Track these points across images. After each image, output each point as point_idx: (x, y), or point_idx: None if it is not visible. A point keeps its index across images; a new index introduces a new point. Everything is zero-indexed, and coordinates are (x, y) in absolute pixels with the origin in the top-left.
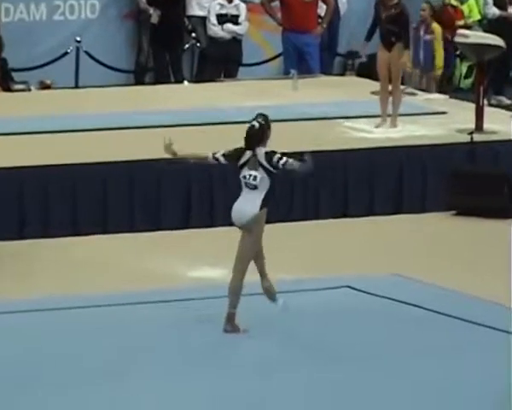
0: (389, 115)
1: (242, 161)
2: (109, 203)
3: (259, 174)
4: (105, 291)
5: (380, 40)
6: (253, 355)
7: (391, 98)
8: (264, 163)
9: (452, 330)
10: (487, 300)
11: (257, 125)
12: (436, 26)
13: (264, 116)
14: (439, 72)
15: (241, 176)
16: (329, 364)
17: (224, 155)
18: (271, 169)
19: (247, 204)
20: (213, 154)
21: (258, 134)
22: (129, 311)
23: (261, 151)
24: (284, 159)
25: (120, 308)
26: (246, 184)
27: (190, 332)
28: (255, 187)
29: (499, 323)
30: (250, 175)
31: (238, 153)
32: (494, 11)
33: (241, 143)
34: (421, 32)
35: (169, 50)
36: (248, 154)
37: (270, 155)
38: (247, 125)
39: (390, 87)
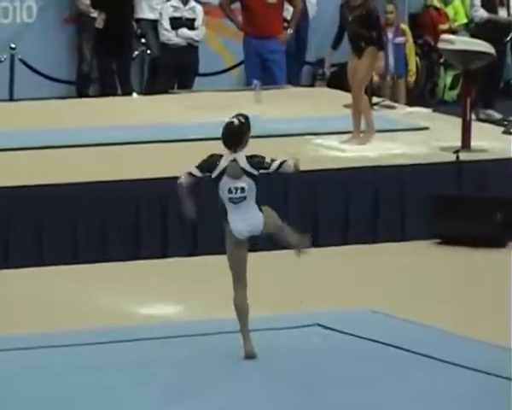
0: (362, 132)
1: (219, 170)
2: (47, 231)
3: (245, 183)
4: (42, 331)
5: (350, 47)
6: (218, 399)
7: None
8: (248, 168)
9: (437, 374)
10: (476, 340)
11: (236, 122)
12: (407, 29)
13: (245, 116)
14: (412, 78)
15: (222, 192)
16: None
17: (197, 166)
18: (256, 173)
19: (248, 216)
20: (189, 172)
21: (237, 133)
22: (68, 353)
23: (241, 155)
24: (278, 161)
25: (58, 350)
26: (231, 199)
27: (142, 375)
28: (244, 198)
29: (490, 366)
30: (236, 188)
31: (212, 161)
32: (482, 14)
33: (195, 163)
34: (390, 35)
35: (115, 58)
36: (225, 160)
37: (254, 158)
38: (225, 122)
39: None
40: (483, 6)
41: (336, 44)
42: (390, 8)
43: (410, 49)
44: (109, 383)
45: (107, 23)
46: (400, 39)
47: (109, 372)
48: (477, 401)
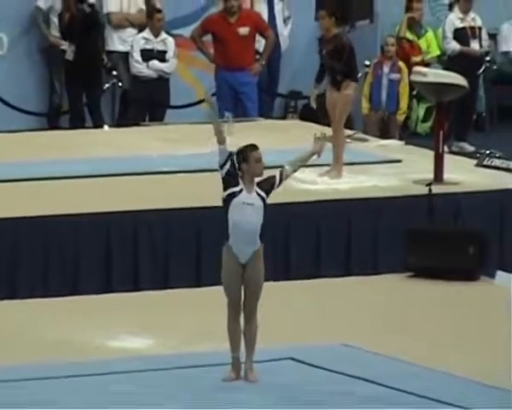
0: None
1: (235, 189)
2: (19, 264)
3: (256, 204)
4: (9, 364)
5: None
6: None
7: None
8: (260, 191)
9: (409, 408)
10: (449, 373)
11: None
12: (404, 66)
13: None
14: (402, 117)
15: (232, 209)
16: None
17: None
18: (265, 196)
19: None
20: (232, 153)
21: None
22: (35, 387)
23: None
24: (277, 174)
25: (34, 383)
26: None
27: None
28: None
29: (463, 399)
30: (248, 204)
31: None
32: (454, 46)
33: (171, 196)
34: (385, 70)
35: (86, 90)
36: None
37: (264, 183)
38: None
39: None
40: (455, 38)
41: (320, 78)
42: (391, 40)
43: (404, 88)
44: None
45: (77, 55)
46: (396, 76)
47: (79, 405)
48: None
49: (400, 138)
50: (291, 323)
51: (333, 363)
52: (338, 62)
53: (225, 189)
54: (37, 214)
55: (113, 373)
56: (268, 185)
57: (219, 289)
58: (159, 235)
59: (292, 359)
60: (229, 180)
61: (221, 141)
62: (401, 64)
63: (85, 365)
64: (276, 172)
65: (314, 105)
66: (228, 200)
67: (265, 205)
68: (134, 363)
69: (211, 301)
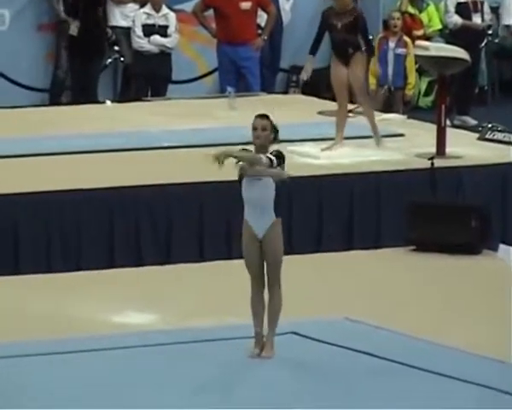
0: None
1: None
2: (20, 240)
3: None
4: (15, 340)
5: (333, 53)
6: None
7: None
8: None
9: (411, 381)
10: (450, 346)
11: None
12: (409, 41)
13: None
14: (411, 91)
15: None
16: None
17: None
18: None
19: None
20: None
21: None
22: (46, 362)
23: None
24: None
25: (35, 359)
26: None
27: (116, 386)
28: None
29: (464, 372)
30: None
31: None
32: (456, 20)
33: (173, 171)
34: (391, 45)
35: (89, 66)
36: None
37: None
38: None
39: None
40: (457, 12)
41: (315, 50)
42: (397, 15)
43: (411, 62)
44: (82, 393)
45: (81, 31)
46: (402, 50)
47: (84, 381)
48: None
49: (402, 112)
50: (293, 297)
51: (335, 337)
52: (355, 35)
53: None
54: (39, 190)
55: (116, 348)
56: (281, 157)
57: (222, 263)
58: (160, 210)
59: (295, 333)
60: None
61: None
62: (407, 39)
63: (89, 340)
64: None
65: (305, 77)
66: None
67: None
68: (137, 338)
69: (213, 275)
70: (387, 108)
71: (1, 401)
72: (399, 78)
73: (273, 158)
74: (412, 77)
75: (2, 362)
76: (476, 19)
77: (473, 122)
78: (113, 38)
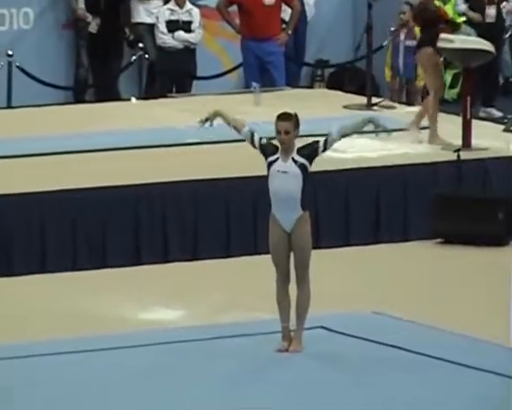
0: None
1: (273, 157)
2: (47, 238)
3: (293, 173)
4: (43, 339)
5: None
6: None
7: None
8: (299, 159)
9: (440, 375)
10: (480, 339)
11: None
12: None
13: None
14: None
15: (270, 180)
16: None
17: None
18: (307, 164)
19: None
20: (251, 131)
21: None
22: (70, 360)
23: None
24: (321, 140)
25: (67, 357)
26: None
27: (146, 382)
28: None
29: (495, 365)
30: (284, 172)
31: (273, 147)
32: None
33: (199, 167)
34: (402, 37)
35: (109, 64)
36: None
37: (305, 149)
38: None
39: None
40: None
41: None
42: (404, 8)
43: None
44: (112, 389)
45: (101, 28)
46: (411, 42)
47: (113, 378)
48: (483, 402)
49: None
50: (321, 292)
51: (363, 331)
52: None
53: (266, 159)
54: (65, 188)
55: (144, 346)
56: (309, 151)
57: (248, 259)
58: (187, 206)
59: (323, 327)
60: (265, 151)
61: (239, 128)
62: (417, 29)
63: (116, 338)
64: (321, 138)
65: None
66: (267, 169)
67: (305, 172)
68: (165, 335)
69: (240, 270)
70: (401, 99)
71: (28, 399)
72: (409, 70)
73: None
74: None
75: (31, 360)
76: (490, 11)
77: (498, 114)
78: (131, 38)
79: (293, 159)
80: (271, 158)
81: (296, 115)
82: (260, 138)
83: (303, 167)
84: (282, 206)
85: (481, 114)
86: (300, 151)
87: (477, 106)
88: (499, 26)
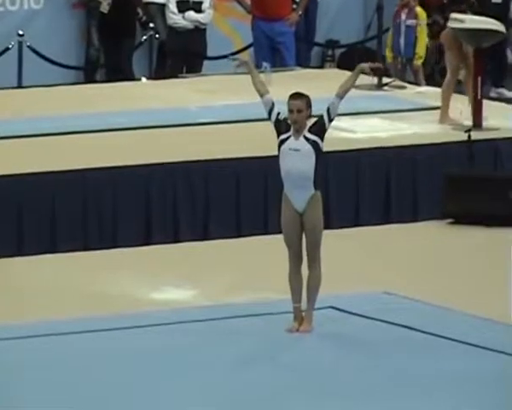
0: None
1: (286, 135)
2: (58, 218)
3: (305, 150)
4: (55, 318)
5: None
6: (236, 384)
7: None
8: (310, 136)
9: (452, 354)
10: (491, 319)
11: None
12: (421, 11)
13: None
14: (418, 61)
15: (281, 158)
16: (320, 398)
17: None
18: (319, 141)
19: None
20: (273, 101)
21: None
22: (82, 339)
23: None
24: (325, 110)
25: (79, 337)
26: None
27: (156, 361)
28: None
29: (506, 345)
30: (295, 149)
31: (286, 124)
32: None
33: (210, 147)
34: (403, 17)
35: (121, 44)
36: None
37: (314, 126)
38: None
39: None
40: None
41: None
42: None
43: (421, 33)
44: (123, 369)
45: (112, 8)
46: (412, 21)
47: (125, 359)
48: (493, 381)
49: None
50: (331, 271)
51: (374, 311)
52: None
53: (278, 136)
54: (76, 168)
55: (155, 325)
56: (317, 127)
57: (259, 238)
58: (198, 186)
59: (333, 307)
60: (279, 127)
61: (262, 92)
62: (418, 10)
63: (127, 317)
64: (324, 111)
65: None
66: (278, 147)
67: (317, 149)
68: (177, 315)
69: (251, 251)
70: (403, 79)
71: (37, 375)
72: (409, 48)
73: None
74: (420, 47)
75: (41, 340)
76: None
77: (509, 94)
78: (143, 19)
79: (304, 136)
80: (283, 136)
81: (308, 96)
82: (278, 113)
83: (315, 145)
84: (294, 185)
85: (492, 95)
86: (310, 129)
87: (487, 86)
88: (505, 6)
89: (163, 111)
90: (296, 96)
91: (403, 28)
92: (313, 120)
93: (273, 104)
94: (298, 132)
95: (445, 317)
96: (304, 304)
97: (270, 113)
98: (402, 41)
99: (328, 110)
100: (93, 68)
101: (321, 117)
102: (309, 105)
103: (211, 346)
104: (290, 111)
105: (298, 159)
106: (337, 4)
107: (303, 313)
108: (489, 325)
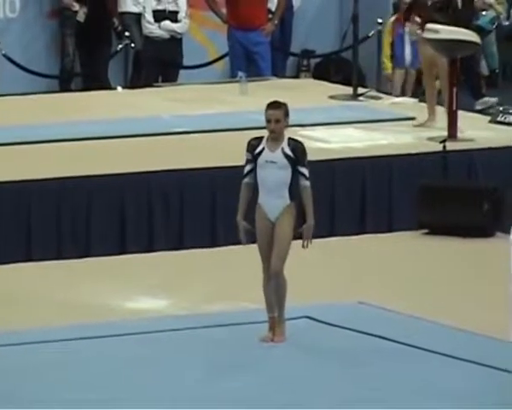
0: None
1: (260, 148)
2: (33, 227)
3: (280, 162)
4: (28, 327)
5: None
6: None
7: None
8: (288, 151)
9: (425, 365)
10: (464, 330)
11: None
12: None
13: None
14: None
15: (258, 168)
16: (294, 408)
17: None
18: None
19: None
20: (246, 183)
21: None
22: (53, 348)
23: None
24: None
25: (51, 345)
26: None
27: (128, 371)
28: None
29: (479, 355)
30: (272, 162)
31: (254, 143)
32: None
33: (184, 156)
34: (406, 28)
35: (97, 53)
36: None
37: (298, 148)
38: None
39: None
40: None
41: None
42: None
43: None
44: (95, 379)
45: (89, 17)
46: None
47: (98, 368)
48: (467, 392)
49: (414, 96)
50: (306, 282)
51: (349, 321)
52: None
53: (251, 153)
54: (50, 177)
55: (128, 335)
56: (300, 157)
57: (234, 248)
58: (172, 195)
59: (308, 317)
60: (252, 153)
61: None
62: (418, 19)
63: (100, 326)
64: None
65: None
66: (253, 161)
67: (294, 164)
68: (151, 324)
69: (226, 261)
70: (406, 91)
71: (12, 387)
72: (415, 59)
73: (306, 173)
74: None
75: (14, 349)
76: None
77: (493, 100)
78: (119, 28)
79: (282, 151)
80: (257, 150)
81: (286, 104)
82: (246, 174)
83: (291, 160)
84: (268, 193)
85: (478, 107)
86: (294, 150)
87: (471, 102)
88: (465, 17)
89: (138, 120)
90: (274, 105)
91: (407, 37)
92: (291, 132)
93: (247, 183)
94: (275, 143)
95: (419, 327)
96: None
97: (249, 175)
98: (408, 52)
99: (302, 185)
100: (68, 77)
101: (304, 164)
102: (286, 114)
103: (184, 355)
104: (268, 121)
105: (274, 170)
106: (313, 14)
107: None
108: (463, 335)
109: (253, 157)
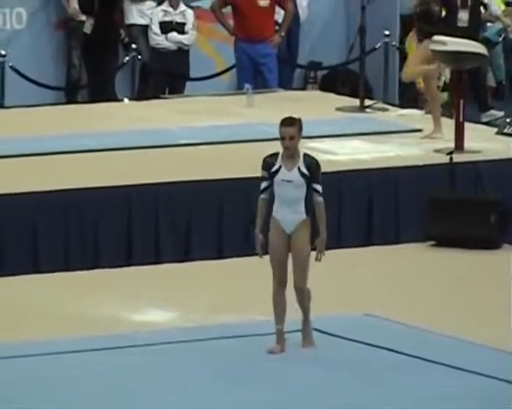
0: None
1: (277, 165)
2: (40, 238)
3: (296, 179)
4: (34, 339)
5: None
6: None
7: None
8: (302, 168)
9: (432, 377)
10: (472, 341)
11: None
12: None
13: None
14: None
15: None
16: None
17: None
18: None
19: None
20: (263, 199)
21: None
22: (60, 361)
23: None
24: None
25: (58, 357)
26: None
27: (136, 383)
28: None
29: (487, 368)
30: (288, 181)
31: (269, 161)
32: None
33: (192, 168)
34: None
35: (104, 64)
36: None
37: (313, 165)
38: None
39: None
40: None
41: None
42: None
43: None
44: (101, 390)
45: (95, 28)
46: None
47: (105, 379)
48: (475, 404)
49: (419, 107)
50: (313, 293)
51: (355, 333)
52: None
53: (267, 171)
54: (57, 188)
55: (135, 346)
56: (315, 173)
57: (241, 260)
58: (180, 207)
59: (315, 329)
60: (268, 171)
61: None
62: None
63: (107, 339)
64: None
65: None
66: (271, 178)
67: (308, 182)
68: (158, 336)
69: (233, 272)
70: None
71: (19, 399)
72: None
73: (319, 189)
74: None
75: (22, 361)
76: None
77: (500, 113)
78: (126, 40)
79: (298, 169)
80: (273, 169)
81: (300, 119)
82: (263, 190)
83: (307, 178)
84: (285, 208)
85: (484, 119)
86: (309, 168)
87: (478, 113)
88: (472, 29)
89: (145, 132)
90: (288, 122)
91: None
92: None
93: (264, 199)
94: (291, 159)
95: (427, 339)
96: (287, 326)
97: (267, 190)
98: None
99: (316, 200)
100: (74, 89)
101: (318, 181)
102: (300, 129)
103: (192, 367)
104: (282, 138)
105: (291, 189)
106: (320, 26)
107: (285, 336)
108: (470, 347)
109: (270, 175)
